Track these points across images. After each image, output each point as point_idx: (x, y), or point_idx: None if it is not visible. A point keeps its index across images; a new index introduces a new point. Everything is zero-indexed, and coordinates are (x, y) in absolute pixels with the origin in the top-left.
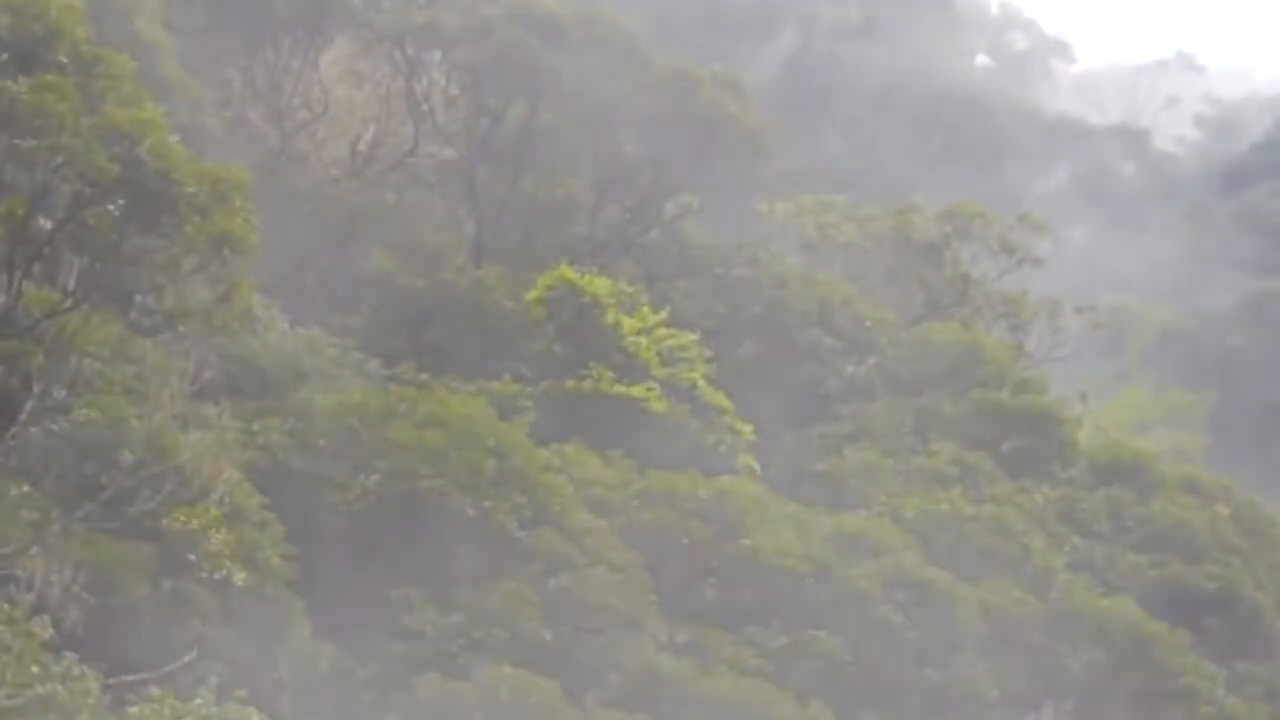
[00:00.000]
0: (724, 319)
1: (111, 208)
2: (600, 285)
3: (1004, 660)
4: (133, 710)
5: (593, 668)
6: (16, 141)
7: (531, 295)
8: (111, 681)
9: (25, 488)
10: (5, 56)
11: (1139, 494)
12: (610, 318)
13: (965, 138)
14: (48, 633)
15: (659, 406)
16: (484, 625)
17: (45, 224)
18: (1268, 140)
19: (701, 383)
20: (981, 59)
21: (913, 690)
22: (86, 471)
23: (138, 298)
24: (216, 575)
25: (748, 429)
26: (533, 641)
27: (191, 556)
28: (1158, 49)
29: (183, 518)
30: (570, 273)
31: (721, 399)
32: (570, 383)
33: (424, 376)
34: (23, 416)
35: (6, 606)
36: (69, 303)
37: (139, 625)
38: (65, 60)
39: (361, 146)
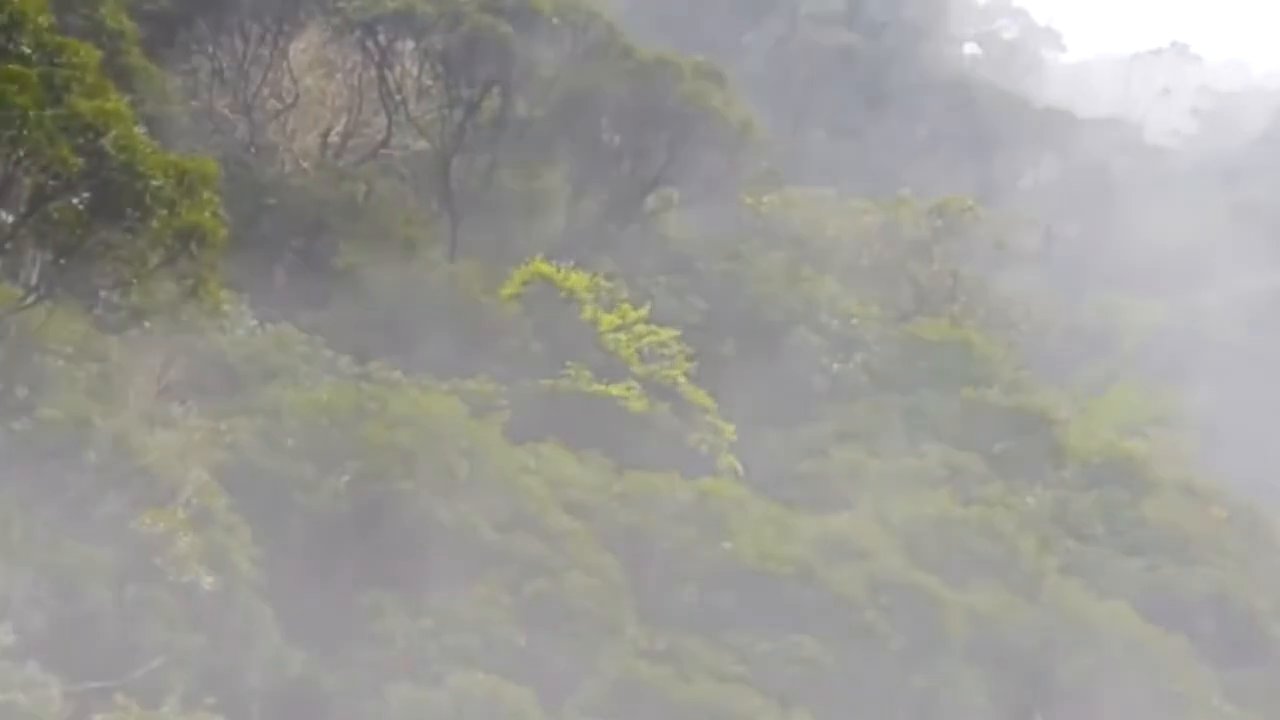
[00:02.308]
0: (706, 315)
1: (75, 201)
2: (578, 280)
3: (993, 666)
4: (97, 718)
5: (569, 674)
6: None
7: (507, 291)
8: (75, 689)
9: None
10: None
11: (1132, 496)
12: (588, 314)
13: (953, 129)
14: (10, 639)
15: (638, 405)
16: (457, 631)
17: (7, 218)
18: (1265, 134)
19: (682, 381)
20: (970, 48)
21: (898, 697)
22: (50, 472)
23: (102, 294)
24: (183, 579)
25: (730, 428)
26: (507, 647)
27: (158, 560)
28: (1151, 38)
29: (149, 520)
30: (547, 268)
31: (703, 398)
32: (547, 381)
33: (396, 374)
34: None
35: None
36: (32, 299)
37: (104, 631)
38: (28, 50)
39: (332, 137)
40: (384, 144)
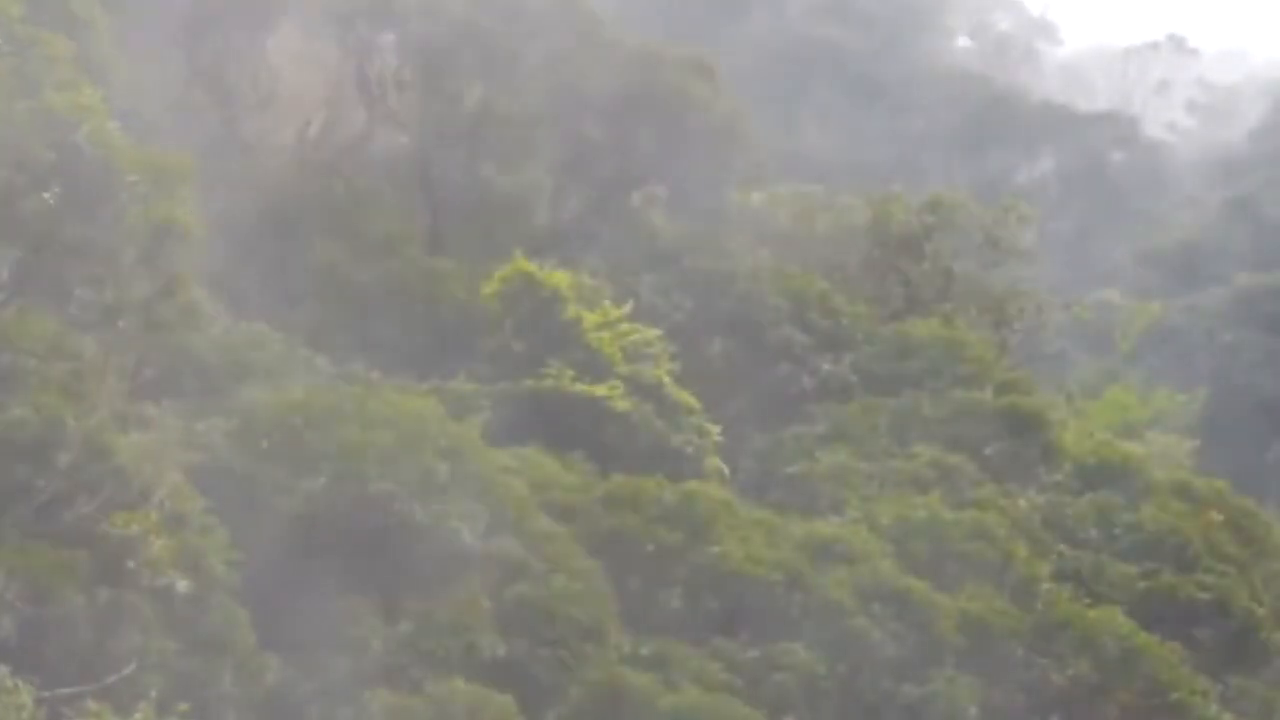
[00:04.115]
0: (692, 314)
1: (47, 196)
2: (560, 278)
3: (985, 674)
4: None
5: (551, 682)
6: None
7: (488, 289)
8: (46, 694)
9: None
10: None
11: (1128, 499)
12: (571, 312)
13: (946, 124)
14: None
15: (622, 406)
16: (436, 636)
17: None
18: (1263, 127)
19: (667, 381)
20: (963, 41)
21: (889, 706)
22: (20, 474)
23: (75, 291)
24: (157, 583)
25: (716, 430)
26: (488, 654)
27: (131, 563)
28: (1148, 31)
29: (121, 522)
30: (528, 265)
31: (688, 398)
32: (529, 381)
33: (374, 374)
34: None
35: None
36: (3, 296)
37: (76, 635)
38: None
39: (310, 132)
40: (363, 138)
